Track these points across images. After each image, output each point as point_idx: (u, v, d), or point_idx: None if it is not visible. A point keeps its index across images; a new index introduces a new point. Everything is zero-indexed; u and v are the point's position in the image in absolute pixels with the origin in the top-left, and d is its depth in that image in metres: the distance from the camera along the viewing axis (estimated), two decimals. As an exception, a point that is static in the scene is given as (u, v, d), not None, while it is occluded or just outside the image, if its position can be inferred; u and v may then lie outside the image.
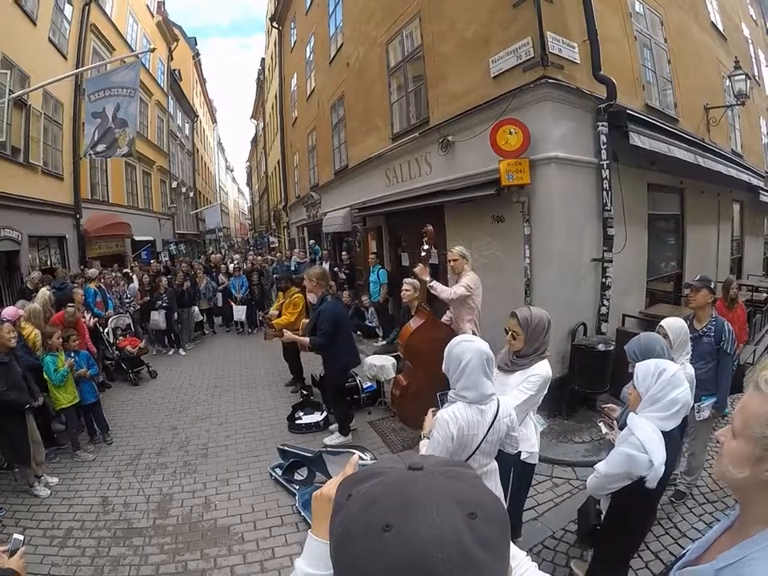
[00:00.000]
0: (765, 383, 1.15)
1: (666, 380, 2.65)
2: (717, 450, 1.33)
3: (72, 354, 6.36)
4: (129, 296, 11.46)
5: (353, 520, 0.72)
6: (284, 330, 6.30)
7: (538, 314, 3.36)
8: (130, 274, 13.03)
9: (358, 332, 11.07)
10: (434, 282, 5.63)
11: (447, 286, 5.71)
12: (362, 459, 4.49)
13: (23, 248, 12.57)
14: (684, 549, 3.83)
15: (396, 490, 0.72)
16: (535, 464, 3.57)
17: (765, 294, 10.90)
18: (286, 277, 8.73)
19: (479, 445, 2.62)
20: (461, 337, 2.82)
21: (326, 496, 1.21)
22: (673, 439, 2.73)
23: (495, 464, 2.86)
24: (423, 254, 5.76)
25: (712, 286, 4.69)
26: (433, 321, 6.02)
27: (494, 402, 2.66)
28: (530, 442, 3.42)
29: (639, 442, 2.56)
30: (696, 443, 4.69)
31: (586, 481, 3.07)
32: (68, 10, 15.43)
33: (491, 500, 0.76)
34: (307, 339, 5.85)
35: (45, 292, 7.93)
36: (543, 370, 3.28)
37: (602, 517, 3.15)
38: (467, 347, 2.61)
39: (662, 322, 4.00)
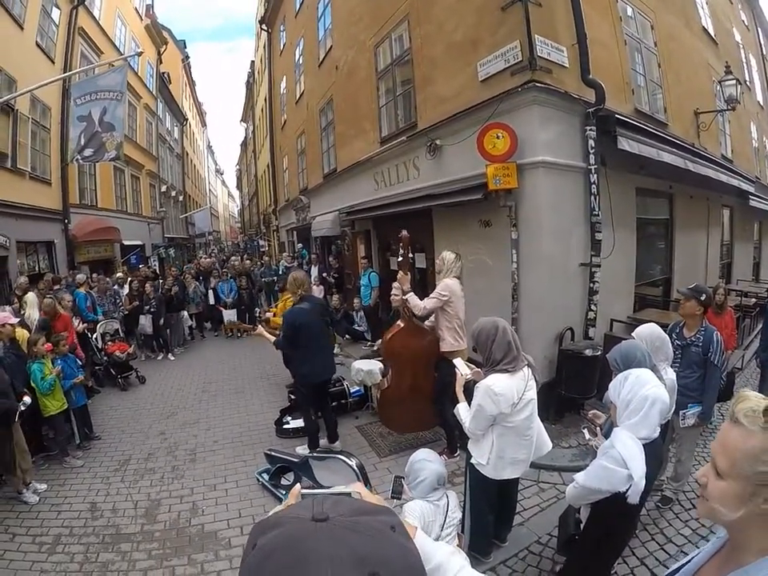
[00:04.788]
0: (744, 417, 1.12)
1: (632, 382, 2.78)
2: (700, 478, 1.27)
3: (59, 361, 6.27)
4: (120, 300, 11.42)
5: (249, 574, 0.67)
6: (257, 326, 6.30)
7: (482, 323, 3.43)
8: (122, 278, 13.04)
9: (347, 336, 11.08)
10: (410, 294, 5.58)
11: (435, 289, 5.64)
12: (347, 462, 4.48)
13: (11, 254, 12.50)
14: (669, 555, 3.83)
15: (292, 545, 0.66)
16: (489, 478, 3.47)
17: (754, 299, 10.96)
18: (284, 279, 8.82)
19: (439, 535, 2.86)
20: (424, 454, 3.06)
21: None
22: (656, 448, 2.75)
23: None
24: (400, 259, 5.74)
25: (703, 298, 4.60)
26: (414, 325, 6.01)
27: (443, 500, 2.99)
28: (480, 451, 3.44)
29: (619, 456, 2.58)
30: (682, 450, 4.68)
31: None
32: (55, 13, 15.33)
33: (401, 556, 0.69)
34: (273, 338, 5.82)
35: (32, 296, 7.89)
36: (483, 384, 3.27)
37: (582, 526, 3.15)
38: (425, 466, 2.95)
39: (634, 331, 4.01)
